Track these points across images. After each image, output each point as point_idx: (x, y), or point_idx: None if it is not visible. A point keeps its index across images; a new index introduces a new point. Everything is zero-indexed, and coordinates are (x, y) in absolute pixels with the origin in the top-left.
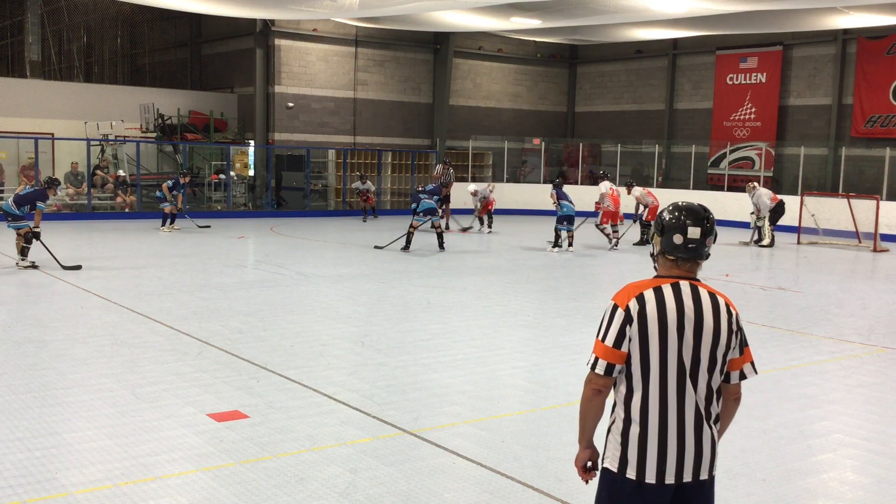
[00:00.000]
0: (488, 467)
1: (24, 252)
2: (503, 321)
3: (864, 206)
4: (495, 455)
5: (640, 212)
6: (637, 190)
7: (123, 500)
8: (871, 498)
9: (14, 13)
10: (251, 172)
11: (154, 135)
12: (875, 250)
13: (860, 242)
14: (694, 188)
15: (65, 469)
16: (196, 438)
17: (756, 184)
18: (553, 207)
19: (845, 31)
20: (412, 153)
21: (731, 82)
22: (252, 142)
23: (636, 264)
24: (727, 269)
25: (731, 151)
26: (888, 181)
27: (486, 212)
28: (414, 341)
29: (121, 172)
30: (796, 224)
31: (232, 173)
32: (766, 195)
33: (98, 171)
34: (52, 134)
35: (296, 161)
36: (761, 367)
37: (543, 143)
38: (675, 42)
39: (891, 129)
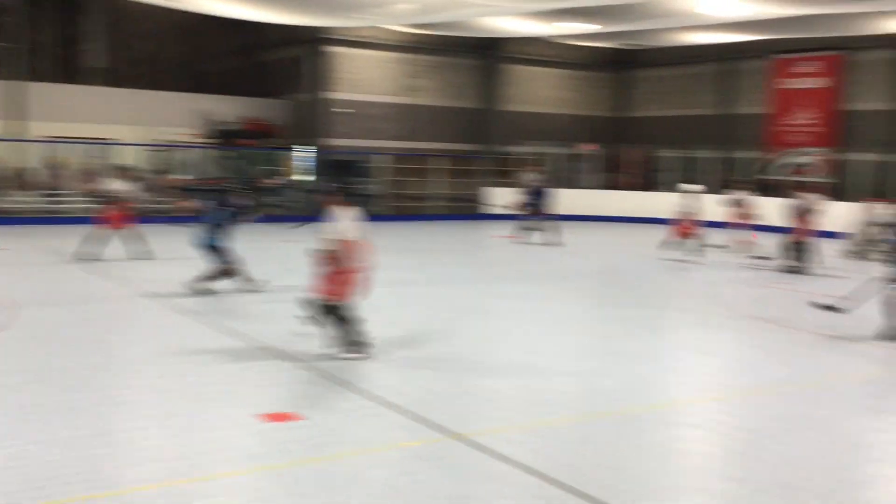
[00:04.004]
0: (539, 473)
1: None
2: (554, 327)
3: None
4: (545, 461)
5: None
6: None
7: None
8: None
9: (74, 20)
10: (310, 177)
11: (212, 140)
12: None
13: None
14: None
15: None
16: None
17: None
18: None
19: None
20: (465, 158)
21: (788, 87)
22: (308, 147)
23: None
24: (779, 279)
25: (789, 157)
26: None
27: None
28: (464, 346)
29: (179, 176)
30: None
31: (291, 177)
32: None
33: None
34: (105, 139)
35: (350, 166)
36: (814, 377)
37: (598, 149)
38: (729, 46)
39: None
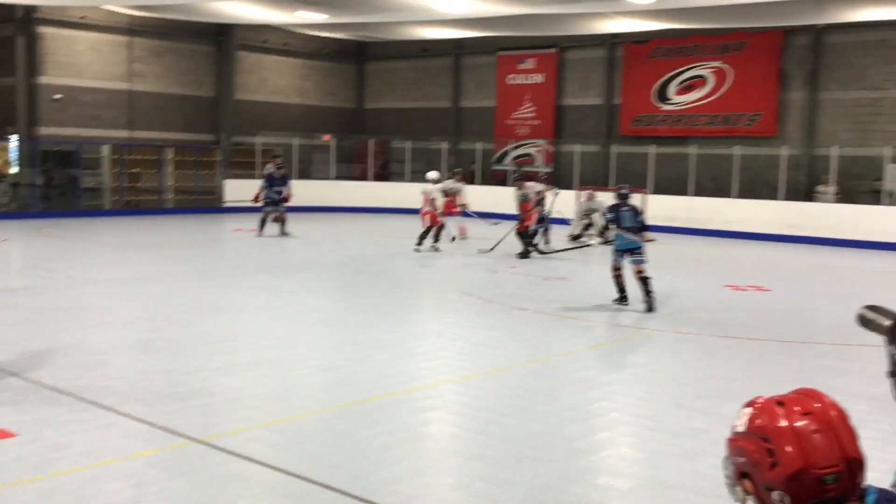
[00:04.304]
0: (284, 471)
1: None
2: (298, 320)
3: (632, 200)
4: (291, 458)
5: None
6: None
7: None
8: (648, 472)
9: None
10: (14, 170)
11: None
12: (643, 241)
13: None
14: (482, 183)
15: None
16: None
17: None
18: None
19: (613, 36)
20: (196, 149)
21: (511, 82)
22: (14, 136)
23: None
24: (514, 263)
25: (514, 148)
26: (652, 176)
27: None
28: (202, 345)
29: None
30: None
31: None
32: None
33: None
34: None
35: (65, 157)
36: (544, 354)
37: (334, 140)
38: (459, 42)
39: (654, 128)
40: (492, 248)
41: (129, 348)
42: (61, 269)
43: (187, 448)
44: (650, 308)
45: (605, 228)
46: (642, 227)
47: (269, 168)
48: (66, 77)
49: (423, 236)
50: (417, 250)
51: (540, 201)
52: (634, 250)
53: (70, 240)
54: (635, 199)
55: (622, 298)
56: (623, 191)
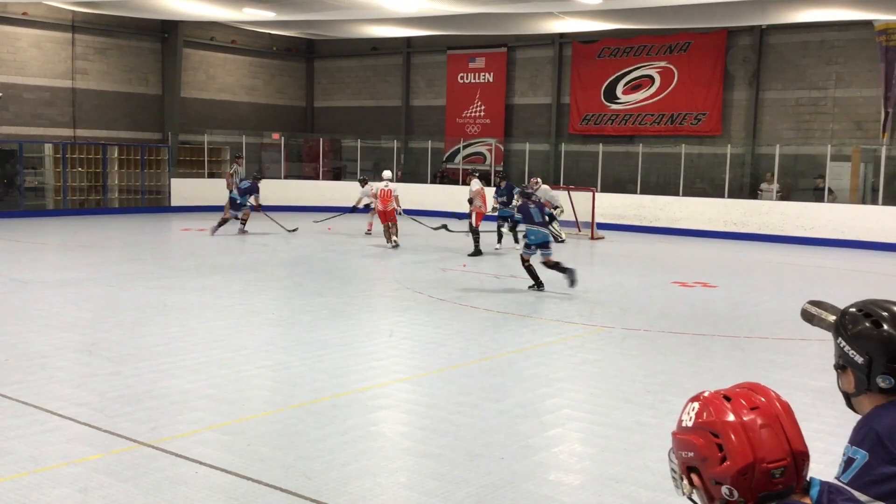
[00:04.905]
0: (234, 473)
1: None
2: (248, 320)
3: (581, 198)
4: (241, 460)
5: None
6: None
7: None
8: (597, 467)
9: None
10: None
11: None
12: (592, 238)
13: (580, 231)
14: (431, 182)
15: None
16: None
17: (539, 180)
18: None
19: (561, 35)
20: (141, 147)
21: (462, 81)
22: None
23: (379, 258)
24: (464, 261)
25: (464, 147)
26: (601, 174)
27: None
28: (149, 347)
29: None
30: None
31: None
32: (550, 189)
33: None
34: None
35: (7, 156)
36: (495, 351)
37: (283, 138)
38: (409, 40)
39: (603, 127)
40: (461, 218)
41: (74, 351)
42: (2, 271)
43: (134, 451)
44: (573, 281)
45: (514, 228)
46: (549, 219)
47: (241, 171)
48: (7, 74)
49: (383, 233)
50: (376, 246)
51: (483, 199)
52: (544, 244)
53: (12, 240)
54: (587, 197)
55: (538, 285)
56: (527, 190)
